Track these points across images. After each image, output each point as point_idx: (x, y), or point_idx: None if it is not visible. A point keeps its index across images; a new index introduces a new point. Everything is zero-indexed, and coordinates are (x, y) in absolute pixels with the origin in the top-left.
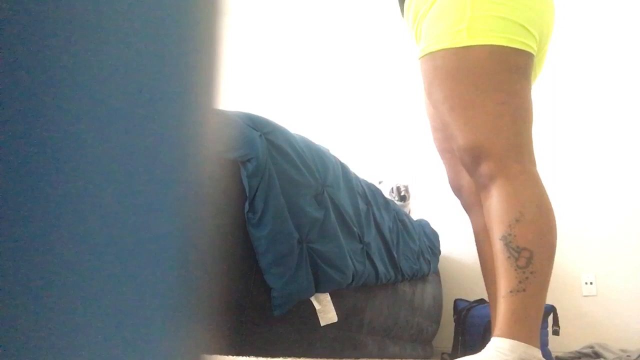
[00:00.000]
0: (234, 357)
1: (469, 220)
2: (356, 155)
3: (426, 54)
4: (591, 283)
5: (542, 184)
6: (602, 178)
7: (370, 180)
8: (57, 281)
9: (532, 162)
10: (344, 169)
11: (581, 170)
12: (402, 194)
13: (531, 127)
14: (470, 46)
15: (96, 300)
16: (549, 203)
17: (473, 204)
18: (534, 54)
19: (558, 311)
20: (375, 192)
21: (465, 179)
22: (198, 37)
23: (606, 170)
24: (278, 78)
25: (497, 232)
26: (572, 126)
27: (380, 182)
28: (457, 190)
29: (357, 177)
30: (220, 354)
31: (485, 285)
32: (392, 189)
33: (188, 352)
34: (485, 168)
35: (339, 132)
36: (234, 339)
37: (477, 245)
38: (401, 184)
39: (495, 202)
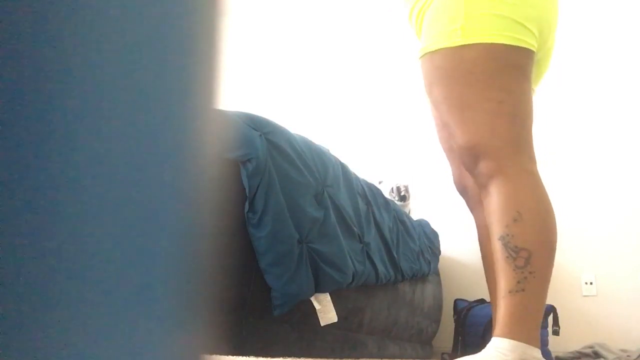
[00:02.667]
0: (234, 357)
1: (470, 220)
2: (356, 155)
3: (425, 54)
4: (591, 283)
5: (541, 183)
6: (602, 178)
7: (370, 180)
8: (56, 281)
9: (532, 161)
10: (344, 169)
11: (581, 170)
12: (402, 194)
13: (531, 125)
14: (466, 45)
15: (96, 300)
16: (549, 202)
17: (478, 203)
18: (534, 50)
19: (558, 311)
20: (375, 192)
21: (470, 179)
22: (198, 37)
23: (606, 170)
24: (278, 78)
25: (495, 232)
26: (572, 126)
27: (380, 182)
28: (462, 190)
29: (357, 177)
30: (220, 354)
31: (488, 284)
32: (392, 189)
33: (188, 352)
34: (483, 167)
35: (339, 132)
36: (234, 339)
37: (480, 244)
38: (401, 184)
39: (494, 201)
